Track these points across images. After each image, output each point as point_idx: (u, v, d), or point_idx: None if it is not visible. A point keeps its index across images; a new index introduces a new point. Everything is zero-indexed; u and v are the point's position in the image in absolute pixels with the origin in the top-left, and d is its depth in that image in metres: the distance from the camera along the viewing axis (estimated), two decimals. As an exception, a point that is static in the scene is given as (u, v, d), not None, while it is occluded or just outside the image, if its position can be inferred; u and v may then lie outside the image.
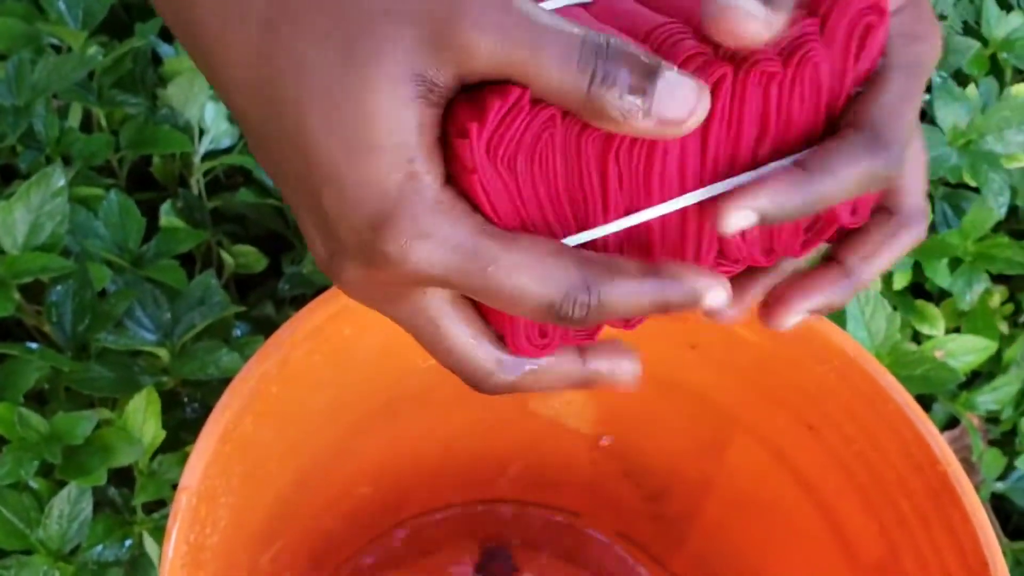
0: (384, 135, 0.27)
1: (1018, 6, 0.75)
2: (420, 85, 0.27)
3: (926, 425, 0.45)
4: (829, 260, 0.33)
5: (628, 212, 0.29)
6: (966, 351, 0.66)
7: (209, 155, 0.68)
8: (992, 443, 0.77)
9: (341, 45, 0.27)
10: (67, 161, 0.64)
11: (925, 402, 0.74)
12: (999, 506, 0.77)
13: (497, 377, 0.31)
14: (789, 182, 0.29)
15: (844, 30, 0.29)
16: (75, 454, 0.54)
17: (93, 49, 0.67)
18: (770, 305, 0.33)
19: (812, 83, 0.29)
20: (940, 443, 0.45)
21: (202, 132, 0.68)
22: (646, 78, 0.26)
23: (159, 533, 0.55)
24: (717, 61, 0.28)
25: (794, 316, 0.32)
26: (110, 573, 0.54)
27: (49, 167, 0.56)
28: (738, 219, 0.29)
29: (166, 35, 0.78)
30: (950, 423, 0.74)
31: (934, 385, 0.62)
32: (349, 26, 0.27)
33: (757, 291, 0.33)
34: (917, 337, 0.73)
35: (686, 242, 0.31)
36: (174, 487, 0.55)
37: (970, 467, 0.74)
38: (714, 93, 0.28)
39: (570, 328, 0.31)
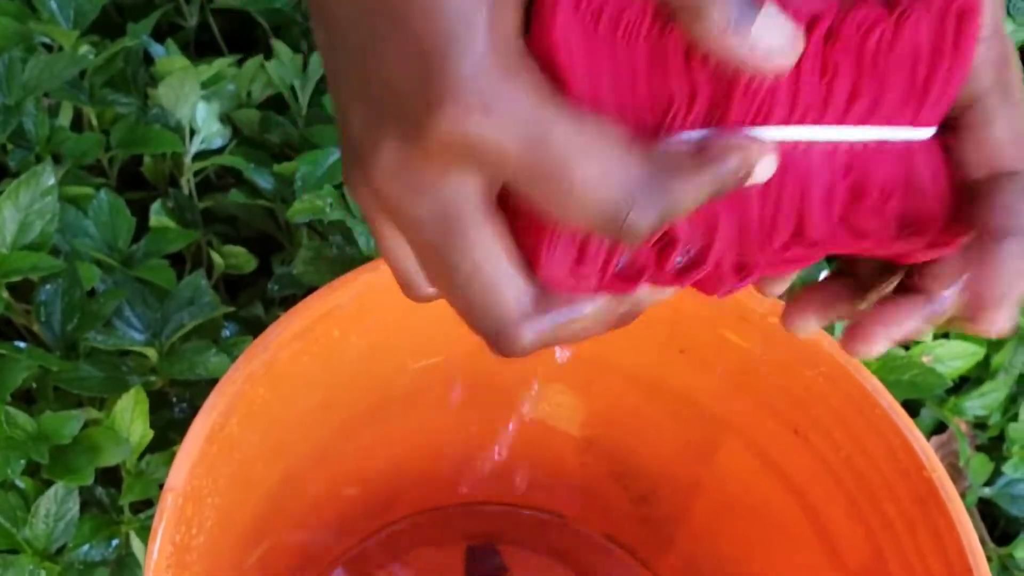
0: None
1: (1009, 14, 0.75)
2: None
3: (912, 431, 0.45)
4: (908, 289, 0.31)
5: (706, 124, 0.27)
6: (954, 356, 0.66)
7: (200, 155, 0.68)
8: (980, 448, 0.77)
9: None
10: (57, 160, 0.64)
11: (913, 407, 0.74)
12: (986, 511, 0.77)
13: (523, 326, 0.27)
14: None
15: (939, 4, 0.27)
16: (62, 453, 0.53)
17: (84, 48, 0.67)
18: (852, 335, 0.31)
19: (911, 45, 0.28)
20: (926, 449, 0.45)
21: (193, 132, 0.68)
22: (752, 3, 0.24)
23: (146, 533, 0.55)
24: None
25: (878, 346, 0.31)
26: (96, 573, 0.54)
27: (39, 166, 0.56)
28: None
29: (158, 35, 0.78)
30: (938, 428, 0.75)
31: (922, 390, 0.62)
32: None
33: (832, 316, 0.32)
34: (905, 342, 0.73)
35: (767, 195, 0.28)
36: (161, 487, 0.55)
37: (957, 472, 0.74)
38: (810, 28, 0.26)
39: (621, 247, 0.27)
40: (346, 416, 0.54)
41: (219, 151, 0.69)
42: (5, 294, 0.57)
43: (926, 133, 0.29)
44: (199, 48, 0.82)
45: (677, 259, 0.28)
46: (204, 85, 0.68)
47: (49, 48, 0.70)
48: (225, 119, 0.71)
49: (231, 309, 0.59)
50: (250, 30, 0.82)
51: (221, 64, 0.69)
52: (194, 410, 0.61)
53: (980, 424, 0.76)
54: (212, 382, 0.55)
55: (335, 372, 0.50)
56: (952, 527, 0.44)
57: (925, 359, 0.66)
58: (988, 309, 0.29)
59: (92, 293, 0.59)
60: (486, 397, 0.60)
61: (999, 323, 0.29)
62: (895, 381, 0.63)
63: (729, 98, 0.26)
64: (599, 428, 0.61)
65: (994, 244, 0.29)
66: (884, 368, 0.63)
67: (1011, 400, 0.74)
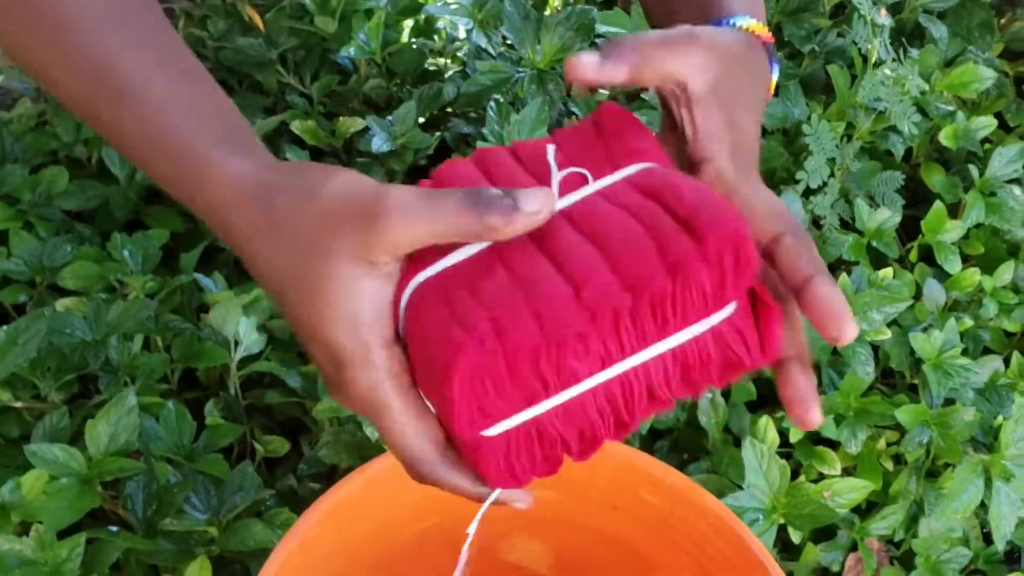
0: (337, 310, 0.40)
1: (882, 202, 0.93)
2: (365, 266, 0.39)
3: (776, 569, 0.61)
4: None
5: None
6: (849, 490, 0.82)
7: (243, 360, 0.86)
8: (899, 560, 0.92)
9: (302, 251, 0.40)
10: (132, 378, 0.82)
11: (831, 529, 0.89)
12: (906, 614, 0.92)
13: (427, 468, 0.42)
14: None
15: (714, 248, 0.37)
16: (148, 612, 0.71)
17: (151, 284, 0.86)
18: (798, 410, 0.41)
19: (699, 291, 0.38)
20: (782, 580, 0.61)
21: (237, 343, 0.86)
22: (509, 196, 0.39)
23: (213, 672, 0.72)
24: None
25: (817, 412, 0.40)
26: None
27: (124, 392, 0.74)
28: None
29: (206, 256, 0.97)
30: (855, 546, 0.90)
31: (818, 521, 0.78)
32: (304, 237, 0.40)
33: None
34: (823, 474, 0.89)
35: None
36: (223, 634, 0.72)
37: (871, 583, 0.89)
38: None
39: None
40: (359, 572, 0.71)
41: (258, 355, 0.87)
42: (99, 488, 0.75)
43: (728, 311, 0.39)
44: (239, 263, 1.01)
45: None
46: (244, 306, 0.87)
47: (122, 282, 0.89)
48: (262, 328, 0.89)
49: (272, 491, 0.76)
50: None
51: (258, 292, 0.87)
52: (245, 569, 0.79)
53: (895, 541, 0.91)
54: (259, 550, 0.73)
55: (349, 542, 0.67)
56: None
57: (826, 493, 0.82)
58: (844, 326, 0.39)
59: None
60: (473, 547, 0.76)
61: (852, 331, 0.39)
62: (798, 514, 0.78)
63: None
64: (564, 568, 0.77)
65: (816, 286, 0.39)
66: (790, 503, 0.79)
67: (912, 520, 0.89)
